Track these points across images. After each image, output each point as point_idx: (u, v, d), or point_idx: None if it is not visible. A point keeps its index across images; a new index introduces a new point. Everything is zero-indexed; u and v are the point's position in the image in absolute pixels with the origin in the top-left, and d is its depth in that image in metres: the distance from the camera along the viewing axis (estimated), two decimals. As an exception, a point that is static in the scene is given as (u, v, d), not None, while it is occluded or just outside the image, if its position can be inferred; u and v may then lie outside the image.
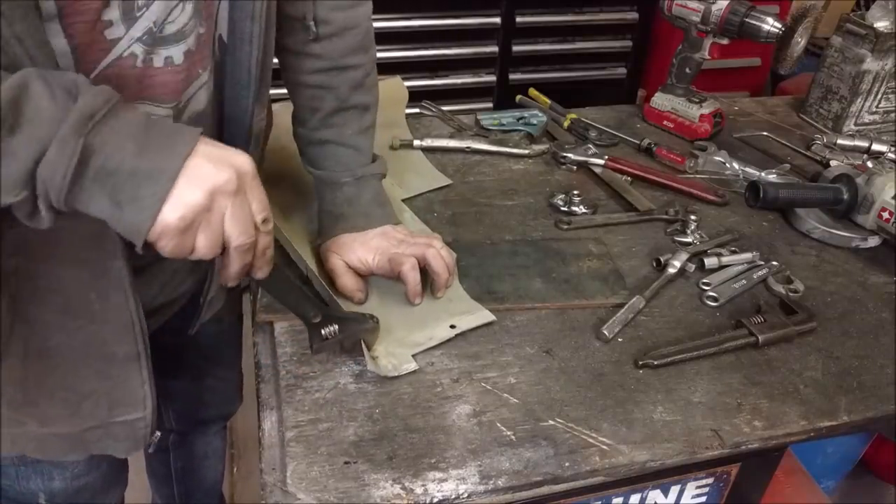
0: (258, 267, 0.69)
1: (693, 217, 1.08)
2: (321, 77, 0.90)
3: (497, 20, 2.20)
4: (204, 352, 1.13)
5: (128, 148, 0.56)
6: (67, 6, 0.59)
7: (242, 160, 0.62)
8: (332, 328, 0.79)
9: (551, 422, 0.77)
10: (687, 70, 1.36)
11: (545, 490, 0.73)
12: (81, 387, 0.78)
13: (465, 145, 1.28)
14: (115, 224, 0.58)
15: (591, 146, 1.27)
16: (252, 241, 0.64)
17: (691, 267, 1.01)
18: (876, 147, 1.31)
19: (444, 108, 1.41)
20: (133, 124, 0.57)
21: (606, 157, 1.23)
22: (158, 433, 0.85)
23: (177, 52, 0.68)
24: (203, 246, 0.61)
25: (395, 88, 1.34)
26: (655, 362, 0.84)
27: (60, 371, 0.76)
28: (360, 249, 0.90)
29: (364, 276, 0.92)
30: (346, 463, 0.72)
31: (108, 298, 0.72)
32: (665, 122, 1.41)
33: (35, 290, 0.71)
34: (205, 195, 0.58)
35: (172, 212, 0.57)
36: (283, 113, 1.02)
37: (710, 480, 0.94)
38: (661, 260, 1.01)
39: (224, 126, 0.80)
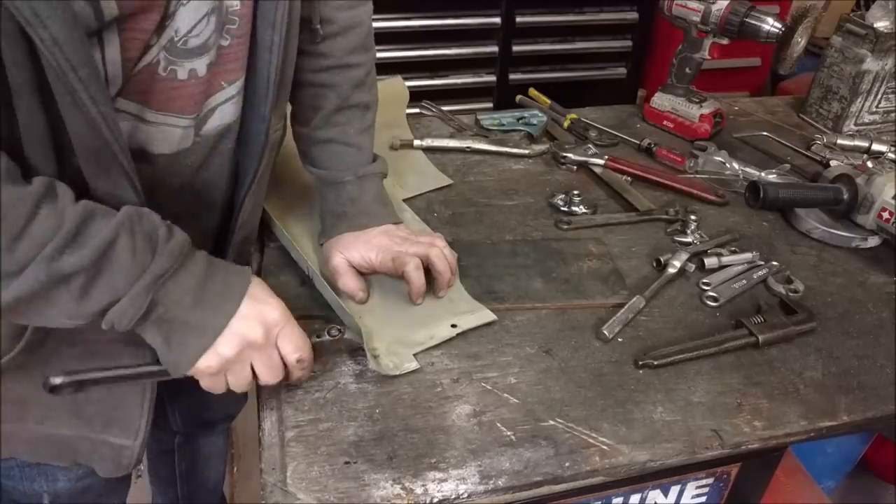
0: (293, 380, 0.77)
1: (693, 217, 1.08)
2: (323, 76, 0.90)
3: (497, 20, 2.20)
4: None
5: (186, 301, 0.66)
6: (130, 21, 0.60)
7: (275, 315, 0.71)
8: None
9: (551, 422, 0.77)
10: (687, 70, 1.36)
11: (545, 490, 0.73)
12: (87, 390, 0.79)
13: (465, 145, 1.28)
14: (161, 355, 0.68)
15: (591, 146, 1.27)
16: (279, 380, 0.74)
17: (691, 267, 1.01)
18: (876, 147, 1.31)
19: (444, 108, 1.41)
20: (195, 276, 0.66)
21: (606, 157, 1.23)
22: (142, 466, 0.88)
23: (200, 65, 0.68)
24: (234, 383, 0.72)
25: (395, 88, 1.34)
26: (655, 362, 0.84)
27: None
28: (362, 247, 0.91)
29: (366, 275, 0.92)
30: (346, 463, 0.72)
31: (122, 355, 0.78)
32: (665, 122, 1.41)
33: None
34: (236, 351, 0.69)
35: (207, 361, 0.68)
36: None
37: (710, 480, 0.94)
38: (661, 260, 1.01)
39: (240, 136, 0.79)
